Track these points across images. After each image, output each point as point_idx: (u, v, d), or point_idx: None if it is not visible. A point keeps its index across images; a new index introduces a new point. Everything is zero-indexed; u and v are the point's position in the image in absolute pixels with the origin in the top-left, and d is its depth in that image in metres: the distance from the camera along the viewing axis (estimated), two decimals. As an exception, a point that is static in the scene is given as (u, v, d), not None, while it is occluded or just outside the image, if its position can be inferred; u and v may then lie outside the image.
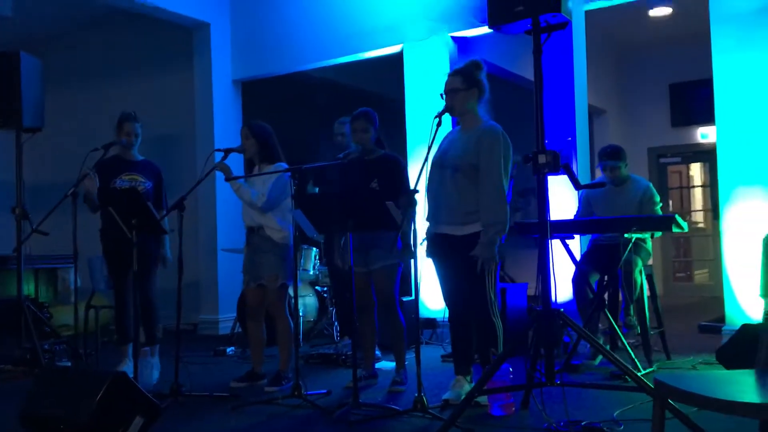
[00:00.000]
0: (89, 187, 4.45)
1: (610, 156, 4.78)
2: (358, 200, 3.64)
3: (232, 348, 5.78)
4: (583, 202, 5.00)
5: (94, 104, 8.18)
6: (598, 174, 5.14)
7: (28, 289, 6.02)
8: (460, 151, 3.58)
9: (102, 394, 2.75)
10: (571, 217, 5.22)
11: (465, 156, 3.54)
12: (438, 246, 3.65)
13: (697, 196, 10.26)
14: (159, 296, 4.69)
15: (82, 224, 4.31)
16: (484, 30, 5.94)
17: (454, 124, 3.78)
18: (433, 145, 3.45)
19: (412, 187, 3.40)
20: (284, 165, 4.28)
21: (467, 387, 3.61)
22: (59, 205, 4.47)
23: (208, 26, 7.15)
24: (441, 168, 3.63)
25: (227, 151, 4.21)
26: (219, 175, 6.46)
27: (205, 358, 5.48)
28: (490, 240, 3.44)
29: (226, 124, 7.21)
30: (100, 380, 2.82)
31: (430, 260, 3.74)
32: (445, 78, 3.68)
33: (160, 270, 4.70)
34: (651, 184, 4.87)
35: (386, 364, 4.69)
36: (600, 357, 4.57)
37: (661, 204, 4.79)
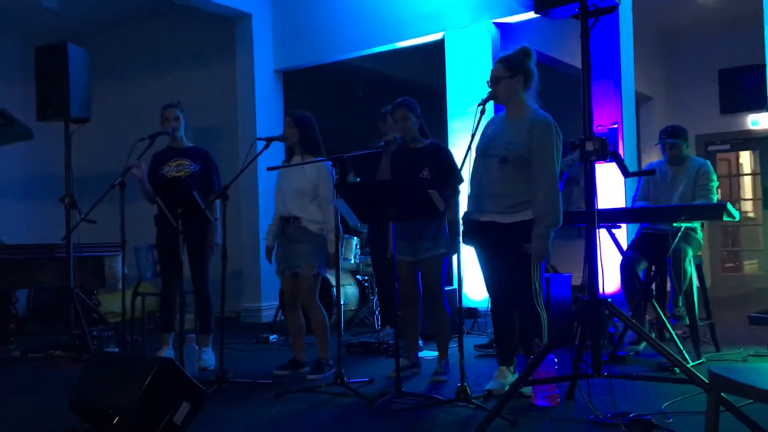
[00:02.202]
0: (139, 177, 4.53)
1: (669, 134, 4.77)
2: (401, 189, 3.61)
3: (275, 336, 5.83)
4: (643, 183, 4.92)
5: (140, 95, 8.30)
6: (653, 155, 5.04)
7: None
8: (509, 140, 3.50)
9: (150, 380, 2.78)
10: (618, 205, 5.11)
11: (515, 146, 3.46)
12: (483, 234, 3.58)
13: (746, 185, 9.99)
14: (212, 286, 4.73)
15: (128, 213, 4.38)
16: (528, 15, 5.85)
17: (497, 111, 3.72)
18: (477, 133, 3.41)
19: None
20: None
21: (510, 378, 3.57)
22: (106, 195, 4.54)
23: (250, 17, 7.20)
24: (485, 157, 3.58)
25: (269, 140, 4.22)
26: (261, 165, 6.57)
27: (248, 346, 5.55)
28: (543, 232, 3.40)
29: (268, 113, 7.27)
30: (148, 366, 2.86)
31: (472, 249, 3.69)
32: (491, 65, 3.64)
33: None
34: (708, 162, 4.77)
35: (428, 354, 4.68)
36: (643, 343, 4.49)
37: (717, 183, 4.66)
